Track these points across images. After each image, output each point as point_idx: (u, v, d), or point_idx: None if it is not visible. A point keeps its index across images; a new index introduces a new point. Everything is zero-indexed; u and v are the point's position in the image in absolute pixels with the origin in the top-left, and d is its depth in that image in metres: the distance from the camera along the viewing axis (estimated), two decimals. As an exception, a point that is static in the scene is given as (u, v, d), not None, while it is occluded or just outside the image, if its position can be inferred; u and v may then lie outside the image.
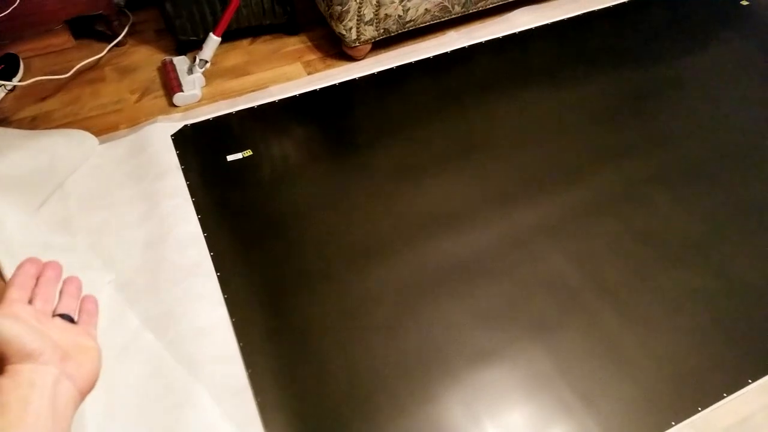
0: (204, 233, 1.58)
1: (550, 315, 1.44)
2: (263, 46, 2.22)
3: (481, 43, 2.26)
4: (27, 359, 0.48)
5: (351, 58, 2.17)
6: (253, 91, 2.01)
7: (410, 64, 2.17)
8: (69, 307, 0.59)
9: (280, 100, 1.98)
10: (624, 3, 2.44)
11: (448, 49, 2.22)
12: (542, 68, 2.15)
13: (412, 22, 2.19)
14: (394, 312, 1.43)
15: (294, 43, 2.23)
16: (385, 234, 1.60)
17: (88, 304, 0.61)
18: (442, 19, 2.26)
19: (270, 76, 2.08)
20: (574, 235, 1.62)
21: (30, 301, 0.56)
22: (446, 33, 2.31)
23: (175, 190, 1.68)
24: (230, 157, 1.77)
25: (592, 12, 2.40)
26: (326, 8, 2.14)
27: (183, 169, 1.74)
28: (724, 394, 1.31)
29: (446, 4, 2.20)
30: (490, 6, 2.32)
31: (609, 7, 2.43)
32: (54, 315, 0.56)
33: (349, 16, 2.05)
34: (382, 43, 2.23)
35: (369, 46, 2.18)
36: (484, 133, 1.90)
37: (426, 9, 2.17)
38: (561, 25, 2.35)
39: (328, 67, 2.13)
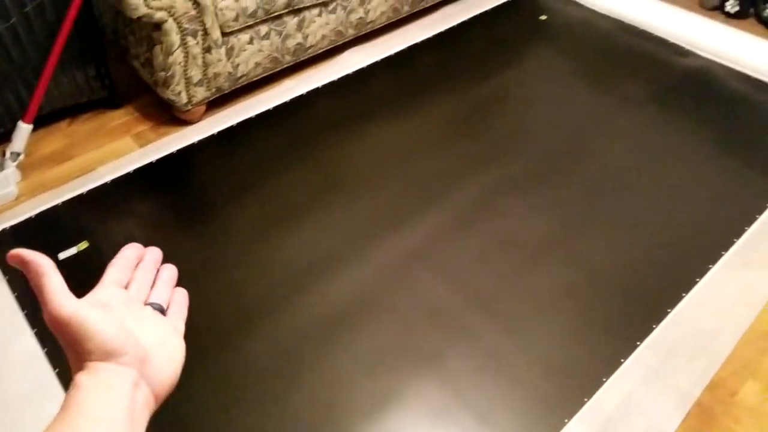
0: (44, 348, 1.38)
1: (435, 343, 1.43)
2: (85, 126, 2.04)
3: (317, 87, 2.27)
4: (107, 357, 0.44)
5: (186, 122, 2.07)
6: (79, 176, 1.84)
7: (251, 118, 2.11)
8: (162, 296, 0.56)
9: (113, 181, 1.82)
10: (443, 32, 2.60)
11: (287, 98, 2.20)
12: (382, 102, 2.20)
13: (244, 77, 2.15)
14: (276, 383, 1.34)
15: (120, 117, 2.08)
16: (257, 295, 1.51)
17: (180, 295, 0.58)
18: (275, 70, 2.24)
19: (97, 157, 1.91)
20: (443, 255, 1.64)
21: (127, 285, 0.53)
22: (282, 82, 2.30)
23: (1, 305, 1.46)
24: (62, 255, 1.58)
25: (417, 44, 2.52)
26: (150, 75, 2.03)
27: (8, 280, 1.52)
28: (603, 379, 1.38)
29: (276, 55, 2.19)
30: (320, 51, 2.35)
31: (430, 37, 2.57)
32: (146, 303, 0.53)
33: (176, 80, 1.96)
34: (218, 102, 2.16)
35: (203, 107, 2.10)
36: (340, 173, 1.89)
37: (256, 62, 2.15)
38: (391, 59, 2.44)
39: (162, 135, 2.02)
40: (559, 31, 2.59)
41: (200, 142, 2.00)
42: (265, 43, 2.12)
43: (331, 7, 2.25)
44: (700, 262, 1.65)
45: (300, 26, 2.19)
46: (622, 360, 1.42)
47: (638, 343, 1.46)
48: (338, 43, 2.40)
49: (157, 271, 0.59)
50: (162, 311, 0.54)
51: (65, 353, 0.44)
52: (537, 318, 1.50)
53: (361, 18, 2.39)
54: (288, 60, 2.25)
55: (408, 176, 1.89)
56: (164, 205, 1.76)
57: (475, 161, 1.95)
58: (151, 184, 1.83)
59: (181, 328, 0.55)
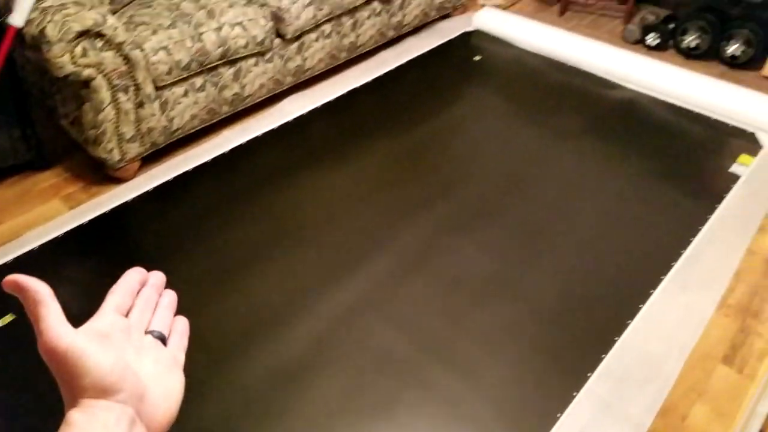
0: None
1: (388, 395, 1.39)
2: (9, 190, 1.95)
3: (257, 136, 2.25)
4: (103, 394, 0.41)
5: (119, 180, 2.01)
6: (5, 243, 1.74)
7: (188, 172, 2.07)
8: (163, 323, 0.53)
9: (41, 246, 1.73)
10: (381, 76, 2.64)
11: (226, 149, 2.17)
12: (323, 148, 2.20)
13: (180, 130, 2.11)
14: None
15: (48, 179, 2.00)
16: (199, 356, 1.44)
17: (180, 324, 0.56)
18: (213, 121, 2.21)
19: (23, 222, 1.82)
20: (391, 301, 1.62)
21: (128, 312, 0.51)
22: (220, 133, 2.27)
23: None
24: (-15, 328, 1.48)
25: (356, 89, 2.55)
26: (79, 134, 1.97)
27: None
28: (558, 415, 1.37)
29: (213, 106, 2.16)
30: (259, 100, 2.35)
31: (369, 81, 2.60)
32: (147, 331, 0.51)
33: (107, 137, 1.91)
34: (153, 157, 2.11)
35: (137, 164, 2.04)
36: (283, 223, 1.85)
37: (192, 115, 2.12)
38: (331, 105, 2.45)
39: (94, 195, 1.94)
40: (493, 70, 2.68)
41: (135, 199, 1.93)
42: (201, 95, 2.10)
43: (267, 56, 2.26)
44: (641, 288, 1.68)
45: (237, 76, 2.19)
46: (575, 393, 1.42)
47: (589, 374, 1.46)
48: (277, 92, 2.40)
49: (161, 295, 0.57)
50: (163, 339, 0.53)
51: (59, 386, 0.42)
52: (487, 358, 1.49)
53: (299, 66, 2.41)
54: (226, 110, 2.23)
55: (352, 222, 1.87)
56: (98, 267, 1.68)
57: (418, 202, 1.96)
58: (82, 247, 1.75)
59: (181, 359, 0.54)
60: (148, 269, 0.54)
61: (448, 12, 3.05)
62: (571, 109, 2.41)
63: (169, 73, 1.96)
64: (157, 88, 1.97)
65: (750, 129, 2.29)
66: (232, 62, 2.14)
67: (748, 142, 2.24)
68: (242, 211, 1.90)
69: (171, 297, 0.57)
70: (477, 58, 2.75)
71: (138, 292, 0.54)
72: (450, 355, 1.49)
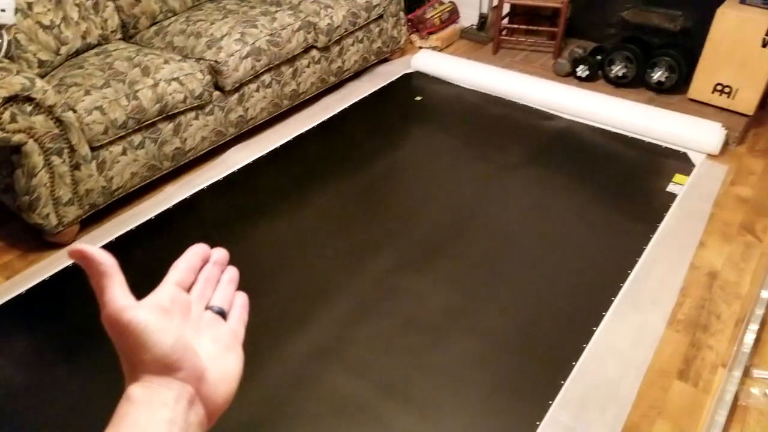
0: None
1: (347, 443, 1.35)
2: (-62, 264, 1.85)
3: (202, 189, 2.22)
4: (164, 371, 0.41)
5: (58, 245, 1.93)
6: (-69, 321, 1.63)
7: (131, 231, 2.01)
8: (225, 297, 0.52)
9: (-28, 321, 1.63)
10: (325, 121, 2.66)
11: (169, 205, 2.13)
12: (271, 196, 2.18)
13: (120, 189, 2.05)
14: None
15: (-20, 249, 1.91)
16: None
17: (241, 298, 0.54)
18: (154, 177, 2.17)
19: (-47, 297, 1.72)
20: (349, 347, 1.58)
21: (189, 288, 0.50)
22: (163, 189, 2.22)
23: None
24: None
25: (300, 135, 2.56)
26: (12, 201, 1.89)
27: None
28: (523, 449, 1.35)
29: (153, 162, 2.12)
30: (202, 152, 2.32)
31: (313, 127, 2.62)
32: (207, 307, 0.50)
33: (42, 202, 1.84)
34: (93, 218, 2.04)
35: (77, 227, 1.97)
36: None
37: (132, 172, 2.07)
38: (277, 152, 2.45)
39: (31, 263, 1.86)
40: (435, 109, 2.74)
41: (76, 264, 1.85)
42: (141, 152, 2.06)
43: (207, 109, 2.25)
44: (594, 311, 1.70)
45: (177, 131, 2.16)
46: (538, 423, 1.40)
47: (550, 402, 1.46)
48: (220, 143, 2.38)
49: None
50: (223, 314, 0.51)
51: (119, 358, 0.42)
52: (449, 395, 1.46)
53: (241, 116, 2.40)
54: (167, 166, 2.20)
55: (305, 269, 1.85)
56: (39, 338, 1.59)
57: (371, 245, 1.95)
58: (22, 318, 1.65)
59: (241, 333, 0.53)
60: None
61: (387, 56, 3.12)
62: (513, 141, 2.48)
63: (105, 132, 1.92)
64: (94, 149, 1.92)
65: (682, 149, 2.40)
66: (171, 117, 2.12)
67: (681, 161, 2.34)
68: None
69: (233, 273, 0.56)
70: (418, 98, 2.82)
71: (200, 269, 0.53)
72: (411, 396, 1.46)
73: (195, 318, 0.49)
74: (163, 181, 2.24)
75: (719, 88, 2.53)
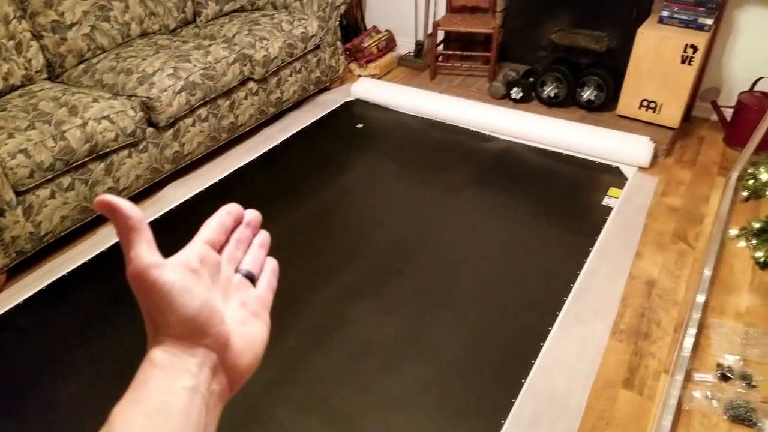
0: None
1: (297, 483, 1.30)
2: None
3: (139, 229, 2.14)
4: (188, 336, 0.39)
5: (-18, 297, 1.82)
6: None
7: (63, 277, 1.91)
8: (255, 261, 0.50)
9: None
10: (267, 151, 2.63)
11: (104, 247, 2.04)
12: (210, 233, 2.12)
13: (50, 234, 1.96)
14: None
15: None
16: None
17: (271, 263, 0.52)
18: (86, 220, 2.08)
19: None
20: (299, 381, 1.54)
21: (220, 249, 0.47)
22: (97, 231, 2.13)
23: None
24: None
25: (241, 168, 2.52)
26: (-71, 253, 1.77)
27: None
28: (477, 473, 1.33)
29: (85, 204, 2.04)
30: (137, 191, 2.25)
31: (255, 159, 2.58)
32: (236, 270, 0.48)
33: (-38, 252, 1.73)
34: (22, 266, 1.94)
35: (3, 276, 1.86)
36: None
37: (62, 216, 1.98)
38: (216, 186, 2.40)
39: (-49, 318, 1.74)
40: (377, 136, 2.76)
41: (3, 315, 1.75)
42: (70, 194, 1.98)
43: (141, 146, 2.19)
44: (540, 326, 1.72)
45: (108, 170, 2.09)
46: (490, 448, 1.39)
47: (503, 421, 1.45)
48: (156, 180, 2.32)
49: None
50: (252, 279, 0.49)
51: (144, 318, 0.40)
52: (400, 423, 1.43)
53: (177, 152, 2.35)
54: (101, 207, 2.11)
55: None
56: (-44, 400, 1.48)
57: (319, 274, 1.92)
58: (-62, 379, 1.53)
59: (269, 300, 0.51)
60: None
61: (327, 85, 3.14)
62: (454, 164, 2.52)
63: (30, 176, 1.83)
64: (19, 194, 1.84)
65: (614, 164, 2.49)
66: (102, 157, 2.05)
67: (614, 175, 2.43)
68: (126, 310, 1.76)
69: (265, 236, 0.54)
70: (360, 125, 2.83)
71: (233, 230, 0.50)
72: (361, 426, 1.42)
73: (224, 280, 0.46)
74: (97, 223, 2.15)
75: (645, 103, 2.65)
